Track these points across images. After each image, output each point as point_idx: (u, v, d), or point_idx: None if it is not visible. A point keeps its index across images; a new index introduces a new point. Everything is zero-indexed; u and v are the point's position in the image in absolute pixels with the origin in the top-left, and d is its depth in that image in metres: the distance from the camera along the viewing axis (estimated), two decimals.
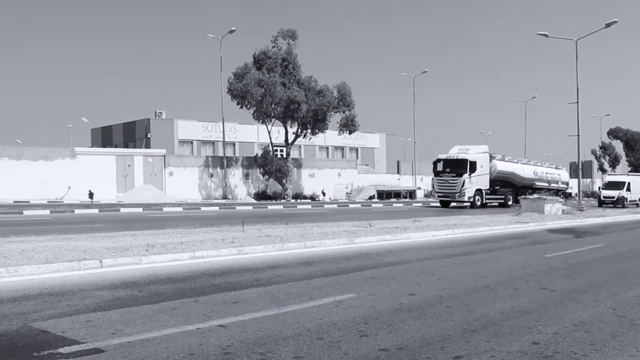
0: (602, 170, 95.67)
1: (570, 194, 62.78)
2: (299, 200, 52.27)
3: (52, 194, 43.83)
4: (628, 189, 54.88)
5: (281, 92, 48.66)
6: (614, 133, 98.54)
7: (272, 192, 54.19)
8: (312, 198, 55.99)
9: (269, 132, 52.62)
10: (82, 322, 7.28)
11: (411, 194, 65.29)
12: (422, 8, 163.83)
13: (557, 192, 53.24)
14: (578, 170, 46.72)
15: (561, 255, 15.00)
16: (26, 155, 43.85)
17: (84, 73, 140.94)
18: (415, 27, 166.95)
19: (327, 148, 75.42)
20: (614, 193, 54.05)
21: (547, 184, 52.33)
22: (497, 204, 47.56)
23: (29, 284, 9.71)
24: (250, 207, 39.66)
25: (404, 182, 69.93)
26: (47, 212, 30.76)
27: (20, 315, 7.60)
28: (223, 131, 54.04)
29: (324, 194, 57.46)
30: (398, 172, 72.41)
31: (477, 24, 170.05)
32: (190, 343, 6.42)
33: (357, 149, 78.05)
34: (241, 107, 49.59)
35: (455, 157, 45.34)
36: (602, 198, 54.49)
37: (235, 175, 54.24)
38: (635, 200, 55.86)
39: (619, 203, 53.43)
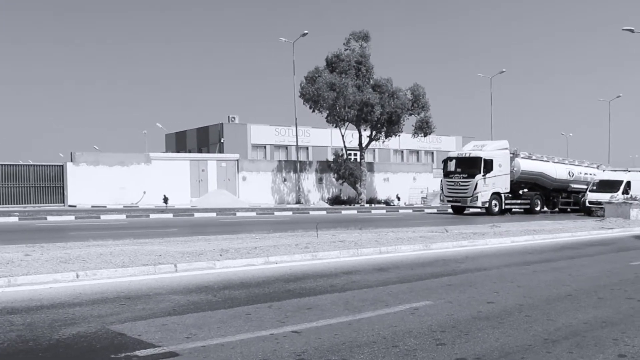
0: None
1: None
2: (373, 205, 52.10)
3: (128, 199, 44.87)
4: (626, 191, 39.87)
5: (354, 95, 48.62)
6: None
7: (345, 197, 54.19)
8: (387, 203, 55.74)
9: (342, 136, 52.65)
10: (158, 325, 7.45)
11: None
12: (497, 9, 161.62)
13: None
14: None
15: None
16: (103, 161, 45.04)
17: (159, 79, 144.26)
18: (491, 26, 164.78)
19: (402, 152, 75.04)
20: (604, 197, 38.41)
21: (585, 187, 43.89)
22: (521, 209, 42.28)
23: (107, 287, 9.99)
24: (324, 212, 39.76)
25: None
26: (123, 216, 31.53)
27: (98, 318, 7.82)
28: (296, 135, 54.38)
29: (398, 198, 57.12)
30: None
31: (557, 22, 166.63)
32: (264, 349, 6.49)
33: (432, 152, 77.40)
34: (314, 110, 49.79)
35: (467, 155, 39.78)
36: (587, 205, 40.05)
37: (309, 180, 54.48)
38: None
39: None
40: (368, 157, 61.43)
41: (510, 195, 40.48)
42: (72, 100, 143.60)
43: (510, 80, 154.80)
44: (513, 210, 41.65)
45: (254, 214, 36.02)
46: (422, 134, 53.47)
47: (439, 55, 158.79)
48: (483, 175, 38.20)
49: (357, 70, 50.94)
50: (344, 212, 41.07)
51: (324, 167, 54.49)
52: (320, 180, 55.02)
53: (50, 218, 29.51)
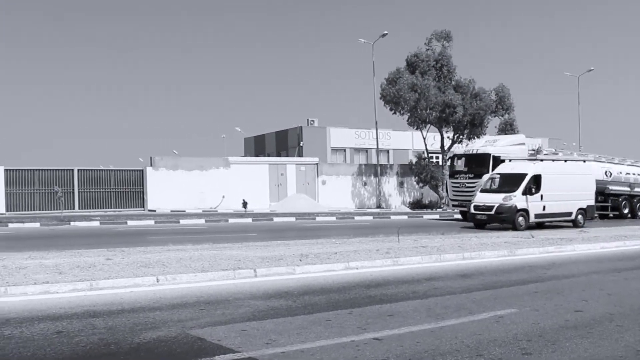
0: None
1: None
2: (455, 210, 51.54)
3: (207, 203, 45.64)
4: (530, 190, 28.08)
5: (436, 96, 48.28)
6: None
7: (427, 201, 53.76)
8: None
9: (424, 138, 52.28)
10: (237, 331, 7.56)
11: None
12: (582, 10, 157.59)
13: None
14: None
15: None
16: (182, 166, 45.93)
17: (238, 83, 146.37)
18: (578, 24, 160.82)
19: None
20: (495, 199, 28.19)
21: (627, 189, 38.23)
22: None
23: (186, 292, 10.21)
24: (405, 217, 39.55)
25: None
26: (202, 221, 32.08)
27: (178, 322, 8.00)
28: (377, 138, 54.26)
29: None
30: None
31: None
32: (345, 355, 6.51)
33: None
34: (394, 112, 49.62)
35: (474, 152, 34.96)
36: (472, 211, 29.00)
37: (390, 184, 54.30)
38: (558, 215, 29.58)
39: (503, 221, 27.86)
40: None
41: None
42: (153, 105, 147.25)
43: (600, 80, 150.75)
44: None
45: (333, 218, 36.12)
46: None
47: (522, 53, 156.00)
48: None
49: (438, 71, 50.57)
50: (425, 216, 40.77)
51: (405, 170, 54.23)
52: (401, 184, 54.78)
53: (130, 222, 30.31)
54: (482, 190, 29.69)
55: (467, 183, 34.32)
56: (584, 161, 35.35)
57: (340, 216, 37.82)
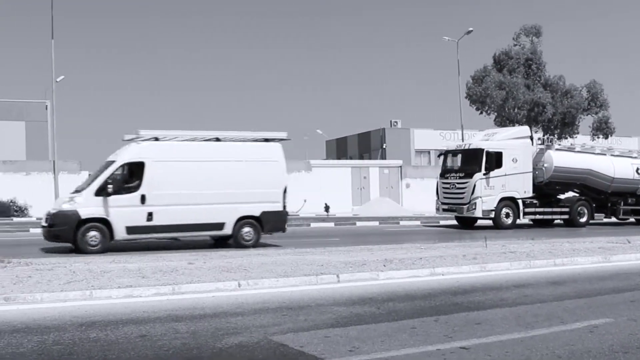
0: None
1: None
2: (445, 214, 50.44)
3: (289, 207, 45.99)
4: (119, 189, 18.33)
5: (524, 94, 47.40)
6: None
7: None
8: None
9: None
10: (320, 337, 7.60)
11: None
12: None
13: None
14: None
15: None
16: None
17: (320, 85, 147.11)
18: None
19: None
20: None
21: None
22: (559, 220, 31.85)
23: (269, 297, 10.32)
24: (490, 221, 38.93)
25: None
26: None
27: (260, 328, 8.11)
28: (462, 139, 53.67)
29: None
30: None
31: None
32: None
33: None
34: (481, 112, 48.96)
35: (465, 147, 31.23)
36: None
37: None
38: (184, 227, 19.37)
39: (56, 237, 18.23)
40: None
41: (535, 202, 30.66)
42: (235, 106, 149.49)
43: None
44: (542, 220, 31.80)
45: (418, 222, 35.89)
46: (603, 136, 51.13)
47: (616, 49, 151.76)
48: (485, 174, 28.94)
49: (527, 68, 49.65)
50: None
51: None
52: None
53: None
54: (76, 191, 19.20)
55: (457, 183, 29.90)
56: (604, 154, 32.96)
57: (425, 220, 37.51)
